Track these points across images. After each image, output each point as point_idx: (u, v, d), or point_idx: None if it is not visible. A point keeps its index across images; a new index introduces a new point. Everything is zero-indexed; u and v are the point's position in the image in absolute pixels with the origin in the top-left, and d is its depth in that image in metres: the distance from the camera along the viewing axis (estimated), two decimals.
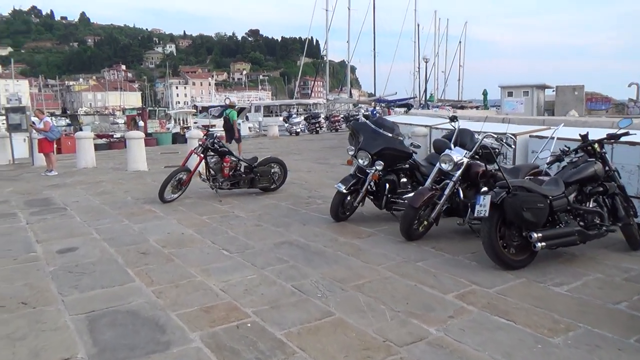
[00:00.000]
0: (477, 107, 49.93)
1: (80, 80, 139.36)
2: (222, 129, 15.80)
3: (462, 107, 42.29)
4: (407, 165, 6.47)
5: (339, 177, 10.89)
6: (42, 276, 4.65)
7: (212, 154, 8.25)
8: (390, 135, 6.31)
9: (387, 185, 6.33)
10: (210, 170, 8.23)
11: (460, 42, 77.70)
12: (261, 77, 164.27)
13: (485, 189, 5.74)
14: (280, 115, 38.92)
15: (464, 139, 6.81)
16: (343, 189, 6.27)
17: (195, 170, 8.16)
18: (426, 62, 40.19)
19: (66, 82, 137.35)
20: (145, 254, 5.25)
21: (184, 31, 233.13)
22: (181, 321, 3.60)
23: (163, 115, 36.36)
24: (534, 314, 3.63)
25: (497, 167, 5.61)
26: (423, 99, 53.82)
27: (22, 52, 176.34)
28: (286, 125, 30.20)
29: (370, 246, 5.45)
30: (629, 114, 27.73)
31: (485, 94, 41.41)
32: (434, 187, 5.65)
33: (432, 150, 7.04)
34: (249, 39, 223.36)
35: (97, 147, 19.03)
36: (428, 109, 34.70)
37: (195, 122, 36.57)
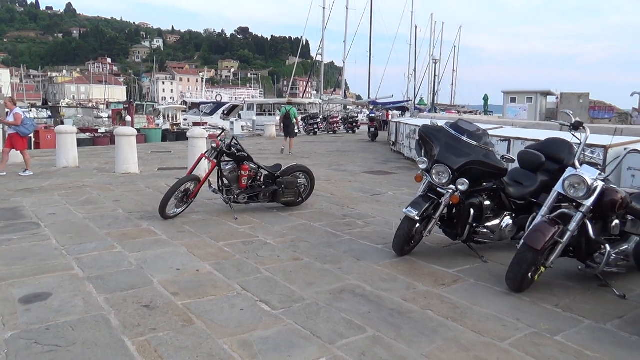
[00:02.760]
0: (472, 113, 48.82)
1: (64, 72, 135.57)
2: (281, 123, 17.17)
3: (465, 113, 41.08)
4: (492, 185, 4.91)
5: (368, 189, 9.51)
6: None
7: (228, 159, 6.61)
8: (476, 144, 4.74)
9: (472, 211, 4.77)
10: (224, 179, 6.58)
11: (454, 46, 76.94)
12: (250, 75, 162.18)
13: (616, 222, 4.25)
14: (275, 115, 37.27)
15: (559, 151, 5.32)
16: (415, 215, 4.69)
17: (205, 179, 6.51)
18: (435, 63, 38.82)
19: (49, 73, 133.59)
20: (150, 309, 3.60)
21: (173, 26, 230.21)
22: None
23: (151, 111, 34.33)
24: None
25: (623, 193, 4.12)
26: (427, 101, 52.61)
27: (4, 42, 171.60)
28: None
29: (466, 300, 3.88)
30: (632, 123, 26.73)
31: (486, 99, 40.30)
32: (552, 219, 4.10)
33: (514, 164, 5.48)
34: (239, 36, 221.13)
35: (80, 143, 17.17)
36: (436, 112, 33.32)
37: (185, 119, 34.70)
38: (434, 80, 43.75)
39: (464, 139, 4.79)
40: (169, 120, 32.69)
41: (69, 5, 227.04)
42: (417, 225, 4.80)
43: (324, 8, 44.90)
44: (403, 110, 48.54)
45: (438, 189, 4.89)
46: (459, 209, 4.84)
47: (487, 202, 4.92)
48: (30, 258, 4.69)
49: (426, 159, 4.89)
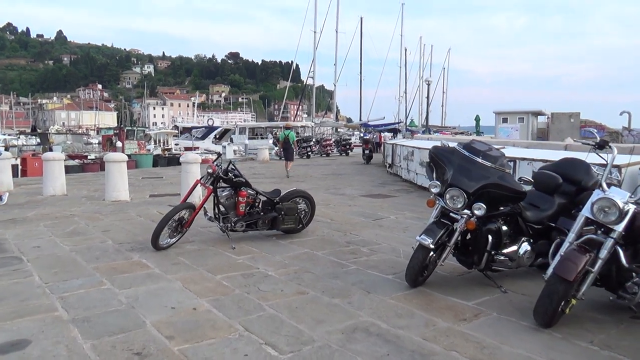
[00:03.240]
0: (463, 133, 48.96)
1: (55, 98, 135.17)
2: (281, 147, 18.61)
3: (460, 133, 41.15)
4: (509, 209, 4.59)
5: (369, 214, 9.16)
6: None
7: (224, 185, 6.26)
8: (492, 165, 4.44)
9: (490, 237, 4.44)
10: (220, 206, 6.22)
11: (444, 68, 77.82)
12: (240, 99, 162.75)
13: None
14: (267, 138, 37.08)
15: (576, 172, 5.04)
16: (430, 243, 4.34)
17: (201, 207, 6.14)
18: (428, 84, 38.86)
19: (39, 100, 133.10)
20: (143, 357, 3.20)
21: (163, 52, 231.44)
22: None
23: (142, 136, 33.96)
24: None
25: None
26: (418, 122, 52.76)
27: None
28: (276, 148, 28.28)
29: (493, 338, 3.51)
30: (623, 142, 26.79)
31: (477, 119, 40.34)
32: (581, 246, 3.78)
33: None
34: (229, 61, 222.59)
35: (69, 169, 16.77)
36: (430, 133, 33.29)
37: (176, 144, 34.36)
38: (427, 101, 43.87)
39: (479, 160, 4.49)
40: (160, 145, 32.32)
41: (59, 32, 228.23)
42: (432, 253, 4.45)
43: (314, 32, 45.23)
44: (395, 132, 48.63)
45: (451, 214, 4.57)
46: (475, 236, 4.51)
47: (504, 228, 4.60)
48: (10, 298, 4.27)
49: (439, 183, 4.57)
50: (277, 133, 38.68)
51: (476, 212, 4.33)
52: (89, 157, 23.76)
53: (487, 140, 19.97)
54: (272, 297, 4.34)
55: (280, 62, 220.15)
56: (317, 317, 3.88)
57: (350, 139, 32.54)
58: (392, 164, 16.04)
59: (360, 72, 57.55)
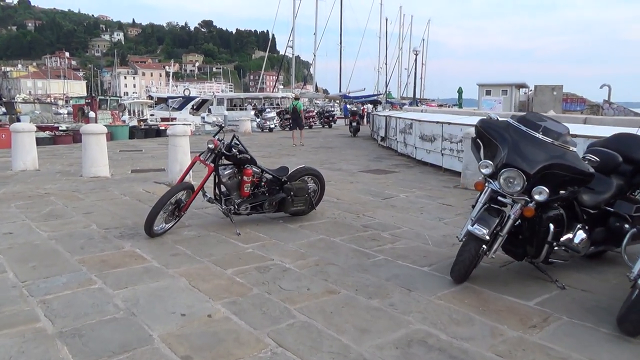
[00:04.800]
0: (444, 106, 48.58)
1: (19, 66, 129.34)
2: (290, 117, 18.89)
3: (440, 106, 40.74)
4: (572, 193, 3.97)
5: (376, 192, 8.19)
6: None
7: (226, 162, 5.49)
8: (555, 142, 3.80)
9: (551, 226, 3.83)
10: (222, 186, 5.46)
11: (423, 39, 76.96)
12: (215, 69, 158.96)
13: None
14: (246, 109, 35.89)
15: (634, 149, 4.46)
16: (486, 233, 3.71)
17: (201, 187, 5.37)
18: (416, 55, 38.04)
19: (3, 67, 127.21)
20: None
21: (133, 19, 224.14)
22: None
23: (115, 106, 32.26)
24: None
25: None
26: (397, 94, 52.08)
27: None
28: (258, 120, 27.31)
29: (579, 352, 2.92)
30: (604, 115, 26.76)
31: (460, 92, 39.87)
32: None
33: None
34: (202, 29, 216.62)
35: (39, 142, 15.52)
36: (417, 105, 32.68)
37: (152, 115, 32.91)
38: (415, 72, 43.07)
39: (539, 136, 3.84)
40: (135, 116, 30.85)
41: None
42: (484, 246, 3.82)
43: None
44: (375, 103, 47.91)
45: (500, 198, 3.94)
46: (532, 224, 3.89)
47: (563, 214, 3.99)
48: None
49: (490, 162, 3.91)
50: (256, 104, 37.59)
51: (536, 196, 3.70)
52: (60, 129, 22.37)
53: (468, 111, 19.37)
54: (299, 298, 3.66)
55: (256, 31, 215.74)
56: (359, 326, 3.23)
57: (333, 111, 31.69)
58: (386, 137, 15.38)
59: (340, 42, 56.45)
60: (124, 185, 8.40)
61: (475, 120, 10.44)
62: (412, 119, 12.14)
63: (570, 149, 3.82)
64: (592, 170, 3.78)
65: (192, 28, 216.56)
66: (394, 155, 13.70)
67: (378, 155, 13.86)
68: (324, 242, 5.15)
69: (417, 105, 31.65)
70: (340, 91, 55.04)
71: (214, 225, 5.75)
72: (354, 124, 21.94)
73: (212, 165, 5.32)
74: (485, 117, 4.24)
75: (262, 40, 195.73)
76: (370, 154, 14.27)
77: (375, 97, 53.04)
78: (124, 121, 26.61)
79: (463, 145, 9.17)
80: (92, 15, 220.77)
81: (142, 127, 24.75)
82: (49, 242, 5.01)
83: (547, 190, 3.68)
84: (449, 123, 10.06)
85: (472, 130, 8.45)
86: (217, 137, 5.41)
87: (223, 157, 5.38)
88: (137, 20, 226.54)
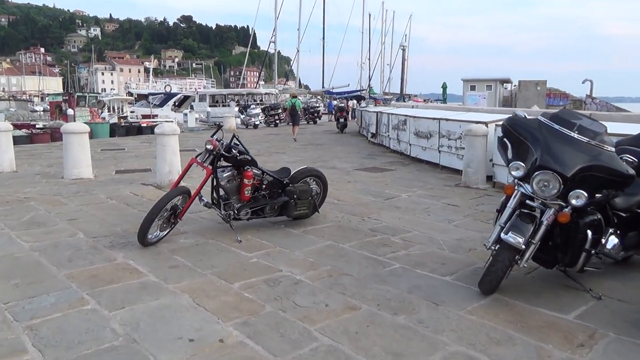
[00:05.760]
0: (424, 101, 48.60)
1: None
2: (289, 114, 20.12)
3: (425, 101, 40.69)
4: (609, 197, 3.69)
5: (376, 192, 7.79)
6: None
7: (225, 165, 5.10)
8: (593, 142, 3.51)
9: (590, 233, 3.54)
10: (220, 190, 5.07)
11: (405, 35, 76.89)
12: (195, 65, 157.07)
13: None
14: (228, 105, 35.28)
15: None
16: (522, 242, 3.41)
17: (198, 192, 4.97)
18: (403, 50, 37.76)
19: None
20: None
21: (110, 14, 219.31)
22: None
23: (94, 103, 31.35)
24: None
25: None
26: (379, 90, 51.93)
27: None
28: (242, 116, 26.77)
29: None
30: (586, 109, 26.96)
31: (444, 87, 39.83)
32: None
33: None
34: (181, 25, 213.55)
35: (16, 141, 14.85)
36: (404, 101, 32.49)
37: (132, 112, 32.12)
38: (402, 68, 42.78)
39: (575, 136, 3.54)
40: (115, 113, 30.02)
41: None
42: (517, 255, 3.52)
43: None
44: (359, 99, 47.66)
45: (528, 202, 3.65)
46: (565, 230, 3.59)
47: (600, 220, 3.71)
48: None
49: (522, 164, 3.60)
50: (239, 100, 36.96)
51: (573, 201, 3.41)
52: (37, 127, 21.57)
53: (463, 108, 19.28)
54: (318, 316, 3.31)
55: (236, 26, 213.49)
56: (390, 348, 2.89)
57: (318, 107, 31.29)
58: (377, 133, 15.07)
59: (323, 37, 56.00)
60: (110, 187, 7.93)
61: (472, 116, 10.22)
62: (406, 115, 11.85)
63: (608, 149, 3.54)
64: (632, 171, 3.51)
65: (171, 23, 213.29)
66: (387, 152, 13.40)
67: (370, 152, 13.55)
68: (333, 248, 4.80)
69: (405, 101, 31.49)
70: (323, 87, 54.63)
71: (212, 231, 5.36)
72: (342, 120, 21.60)
73: (211, 167, 4.92)
74: (512, 115, 3.93)
75: (243, 35, 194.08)
76: (362, 150, 13.95)
77: (359, 93, 52.82)
78: (104, 118, 25.85)
79: (463, 142, 8.91)
80: (68, 10, 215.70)
81: (123, 124, 24.05)
82: (32, 254, 4.56)
83: (586, 195, 3.39)
84: (447, 119, 9.78)
85: (474, 127, 8.23)
86: (215, 137, 5.01)
87: (222, 158, 4.99)
88: (114, 15, 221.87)
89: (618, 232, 3.92)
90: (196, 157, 5.02)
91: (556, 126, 3.62)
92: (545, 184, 3.47)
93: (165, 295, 3.62)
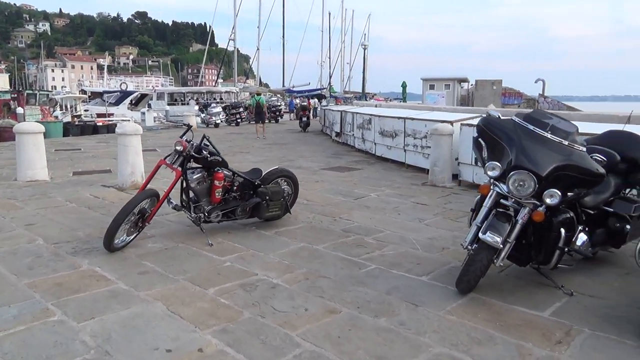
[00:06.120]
0: (388, 100, 49.24)
1: None
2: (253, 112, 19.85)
3: (386, 100, 41.07)
4: (580, 195, 3.79)
5: (344, 191, 7.79)
6: None
7: (195, 166, 4.95)
8: (565, 142, 3.59)
9: (563, 231, 3.62)
10: (190, 192, 4.92)
11: (364, 34, 77.53)
12: (151, 62, 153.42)
13: None
14: (188, 104, 34.58)
15: (631, 148, 4.38)
16: (500, 241, 3.45)
17: (167, 195, 4.80)
18: (365, 48, 37.93)
19: None
20: None
21: (60, 9, 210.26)
22: None
23: (45, 101, 30.09)
24: None
25: None
26: (339, 88, 52.15)
27: None
28: (203, 115, 26.30)
29: None
30: (539, 108, 27.99)
31: (404, 86, 40.33)
32: None
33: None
34: (136, 21, 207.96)
35: None
36: (366, 99, 32.67)
37: (86, 110, 31.00)
38: (364, 66, 42.96)
39: (548, 136, 3.61)
40: (69, 112, 28.87)
41: None
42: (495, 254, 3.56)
43: None
44: (320, 98, 47.68)
45: (502, 201, 3.71)
46: (539, 229, 3.66)
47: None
48: None
49: (498, 164, 3.64)
50: (199, 99, 36.27)
51: (548, 200, 3.48)
52: None
53: (424, 107, 19.61)
54: (298, 321, 3.24)
55: (193, 23, 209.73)
56: (374, 352, 2.86)
57: (280, 106, 31.11)
58: (341, 132, 15.08)
59: (283, 36, 55.75)
60: (68, 190, 7.59)
61: (433, 115, 10.35)
62: (371, 115, 11.91)
63: (580, 149, 3.63)
64: (602, 170, 3.60)
65: (125, 19, 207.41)
66: (352, 151, 13.44)
67: (335, 151, 13.55)
68: (307, 250, 4.74)
69: (367, 100, 31.70)
70: (283, 85, 54.39)
71: (180, 234, 5.19)
72: (304, 119, 21.54)
73: (180, 169, 4.76)
74: (486, 116, 3.97)
75: (200, 32, 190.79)
76: (327, 150, 13.94)
77: (320, 92, 52.88)
78: (57, 117, 24.84)
79: (428, 141, 9.02)
80: (14, 4, 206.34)
81: (77, 123, 23.22)
82: None
83: (559, 193, 3.46)
84: (412, 119, 9.88)
85: (440, 126, 8.33)
86: (184, 137, 4.84)
87: (191, 160, 4.84)
88: (64, 10, 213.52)
89: (586, 229, 4.03)
90: (164, 158, 4.84)
91: (530, 126, 3.68)
92: (521, 183, 3.52)
93: (137, 304, 3.47)
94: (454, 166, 8.28)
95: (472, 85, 35.30)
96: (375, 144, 11.62)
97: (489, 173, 3.69)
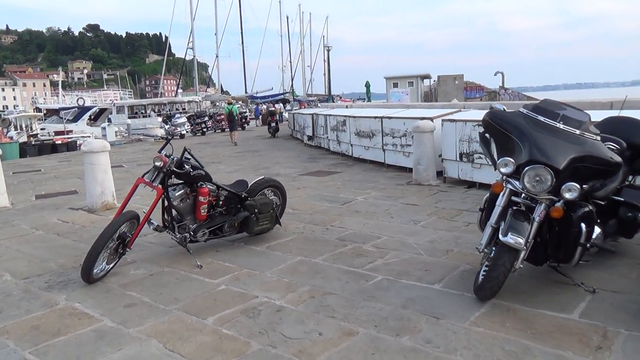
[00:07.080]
0: (352, 101, 49.21)
1: None
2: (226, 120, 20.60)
3: (352, 101, 41.00)
4: (598, 186, 3.61)
5: (329, 197, 7.46)
6: None
7: (176, 182, 4.55)
8: (579, 132, 3.39)
9: (584, 227, 3.41)
10: (172, 211, 4.52)
11: (323, 36, 77.59)
12: (107, 76, 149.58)
13: None
14: (149, 116, 33.63)
15: (632, 133, 4.24)
16: (522, 243, 3.20)
17: (148, 216, 4.38)
18: (328, 50, 37.70)
19: None
20: None
21: (7, 25, 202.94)
22: None
23: None
24: None
25: None
26: (302, 92, 51.85)
27: None
28: (167, 126, 25.55)
29: None
30: (500, 100, 28.46)
31: (367, 85, 40.35)
32: None
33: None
34: (88, 34, 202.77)
35: None
36: (333, 101, 32.45)
37: (42, 128, 29.68)
38: (329, 69, 42.70)
39: (560, 126, 3.40)
40: (24, 131, 27.56)
41: None
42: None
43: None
44: (284, 102, 47.33)
45: (513, 198, 3.49)
46: (557, 225, 3.45)
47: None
48: None
49: (511, 160, 3.41)
50: (161, 111, 35.34)
51: (566, 195, 3.26)
52: None
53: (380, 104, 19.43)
54: (314, 348, 2.92)
55: (148, 34, 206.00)
56: None
57: (245, 113, 30.60)
58: (314, 135, 14.78)
59: (242, 42, 55.08)
60: (32, 215, 7.03)
61: (410, 113, 10.17)
62: (345, 116, 11.65)
63: (595, 138, 3.43)
64: (619, 159, 3.42)
65: (76, 33, 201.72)
66: (327, 154, 13.16)
67: (310, 155, 13.24)
68: (305, 265, 4.42)
69: (333, 101, 31.53)
70: (246, 92, 53.72)
71: (164, 257, 4.78)
72: (273, 124, 21.15)
73: (161, 187, 4.36)
74: (492, 109, 3.74)
75: (156, 43, 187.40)
76: (301, 154, 13.62)
77: (283, 96, 52.53)
78: (11, 138, 23.65)
79: (408, 139, 8.82)
80: None
81: (34, 143, 22.14)
82: None
83: (578, 187, 3.25)
84: (390, 117, 9.67)
85: (421, 123, 8.12)
86: (164, 152, 4.44)
87: (172, 176, 4.44)
88: (11, 26, 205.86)
89: (598, 220, 3.85)
90: (143, 176, 4.43)
91: (540, 118, 3.47)
92: (538, 178, 3.29)
93: (128, 344, 3.07)
94: (437, 163, 8.10)
95: (434, 81, 35.63)
96: (351, 145, 11.37)
97: (502, 170, 3.45)
